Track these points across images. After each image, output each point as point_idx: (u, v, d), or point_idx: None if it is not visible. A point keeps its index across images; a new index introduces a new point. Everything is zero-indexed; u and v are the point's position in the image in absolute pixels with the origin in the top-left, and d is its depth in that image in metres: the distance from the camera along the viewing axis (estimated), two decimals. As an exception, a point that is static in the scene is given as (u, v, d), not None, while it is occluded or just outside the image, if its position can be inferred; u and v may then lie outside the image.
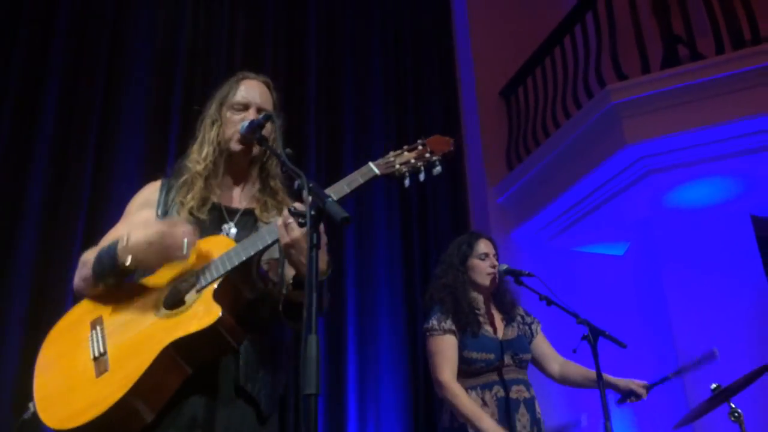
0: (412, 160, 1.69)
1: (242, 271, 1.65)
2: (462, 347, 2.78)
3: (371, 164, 1.68)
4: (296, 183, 1.45)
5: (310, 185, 1.40)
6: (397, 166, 1.68)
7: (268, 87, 1.97)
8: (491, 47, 5.75)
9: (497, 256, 3.03)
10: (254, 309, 1.73)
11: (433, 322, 2.85)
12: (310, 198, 1.38)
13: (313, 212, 1.36)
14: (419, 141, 1.74)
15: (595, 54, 4.66)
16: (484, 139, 5.47)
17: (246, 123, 1.79)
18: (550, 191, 4.91)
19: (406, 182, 1.68)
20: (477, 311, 2.89)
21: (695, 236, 4.72)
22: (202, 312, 1.57)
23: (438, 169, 1.70)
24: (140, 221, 1.74)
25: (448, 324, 2.81)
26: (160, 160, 4.17)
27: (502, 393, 2.72)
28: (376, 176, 1.67)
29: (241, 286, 1.68)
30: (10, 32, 4.16)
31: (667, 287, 4.66)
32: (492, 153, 5.45)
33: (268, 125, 1.81)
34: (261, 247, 1.62)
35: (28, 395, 1.63)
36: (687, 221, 4.74)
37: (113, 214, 3.73)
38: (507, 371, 2.78)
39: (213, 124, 1.89)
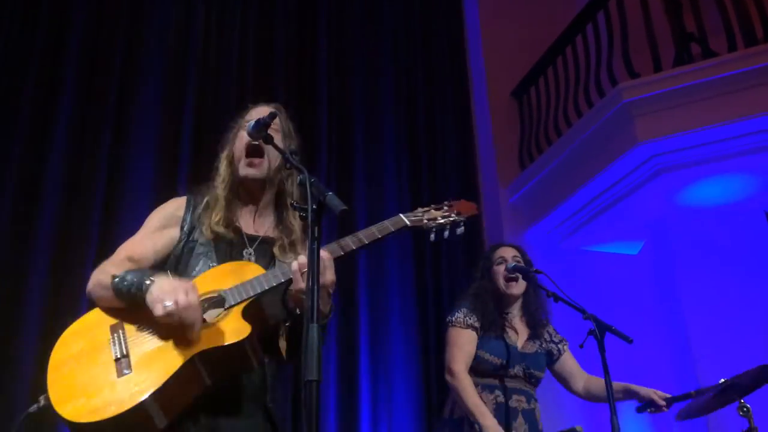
0: (440, 219, 1.84)
1: (271, 295, 1.73)
2: (479, 345, 2.82)
3: (402, 216, 1.82)
4: (298, 177, 1.51)
5: (312, 180, 1.46)
6: (425, 221, 1.82)
7: (278, 111, 2.02)
8: (502, 47, 5.76)
9: (520, 258, 3.02)
10: (274, 332, 1.82)
11: (459, 315, 2.89)
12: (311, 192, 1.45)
13: (314, 206, 1.43)
14: (446, 203, 1.90)
15: (607, 53, 4.66)
16: (496, 140, 5.48)
17: (252, 122, 1.84)
18: (562, 190, 4.91)
19: (432, 237, 1.83)
20: (504, 316, 2.93)
21: (710, 234, 4.68)
22: (232, 328, 1.63)
23: (462, 229, 1.84)
24: (168, 283, 1.67)
25: (473, 320, 2.86)
26: (171, 170, 4.31)
27: (501, 399, 2.77)
28: (405, 227, 1.81)
29: (267, 310, 1.76)
30: (23, 59, 4.23)
31: (682, 285, 4.64)
32: (504, 153, 5.46)
33: (275, 122, 1.86)
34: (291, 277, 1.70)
35: (41, 391, 1.64)
36: (701, 219, 4.71)
37: (125, 224, 3.86)
38: (513, 380, 2.83)
39: (226, 147, 2.00)
